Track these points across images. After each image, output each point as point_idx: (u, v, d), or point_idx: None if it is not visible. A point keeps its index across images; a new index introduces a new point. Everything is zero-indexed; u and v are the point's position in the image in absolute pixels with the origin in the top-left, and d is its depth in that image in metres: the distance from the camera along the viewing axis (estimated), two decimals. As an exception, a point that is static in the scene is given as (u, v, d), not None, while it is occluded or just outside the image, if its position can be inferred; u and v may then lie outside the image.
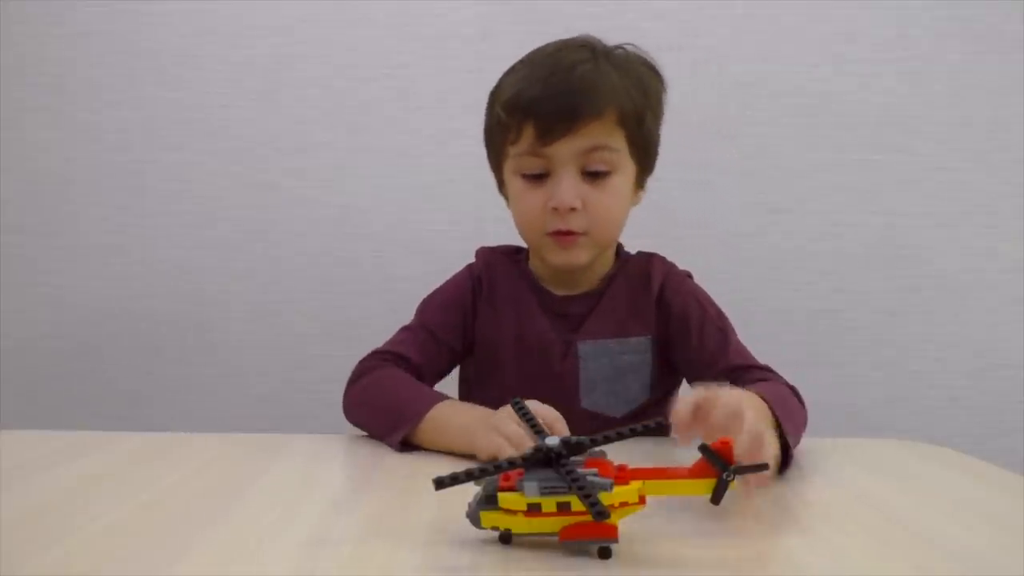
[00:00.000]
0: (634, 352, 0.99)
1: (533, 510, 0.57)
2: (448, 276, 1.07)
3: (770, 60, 1.46)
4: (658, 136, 1.00)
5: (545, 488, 0.56)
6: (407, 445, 0.86)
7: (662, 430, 0.61)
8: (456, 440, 0.84)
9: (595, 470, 0.58)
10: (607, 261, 1.03)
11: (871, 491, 0.77)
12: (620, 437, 0.60)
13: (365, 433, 0.93)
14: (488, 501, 0.58)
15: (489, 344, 1.02)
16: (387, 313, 1.05)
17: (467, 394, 1.05)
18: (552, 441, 0.58)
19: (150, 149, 1.47)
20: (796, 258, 1.48)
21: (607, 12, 1.44)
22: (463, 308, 1.03)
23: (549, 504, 0.57)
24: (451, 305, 1.03)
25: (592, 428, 0.82)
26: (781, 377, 0.95)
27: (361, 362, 0.97)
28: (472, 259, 1.09)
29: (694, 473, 0.60)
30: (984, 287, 1.48)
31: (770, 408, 0.78)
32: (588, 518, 0.55)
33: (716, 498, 0.59)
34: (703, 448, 0.59)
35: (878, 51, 1.46)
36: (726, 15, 1.45)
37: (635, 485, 0.58)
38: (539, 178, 0.94)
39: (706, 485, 0.59)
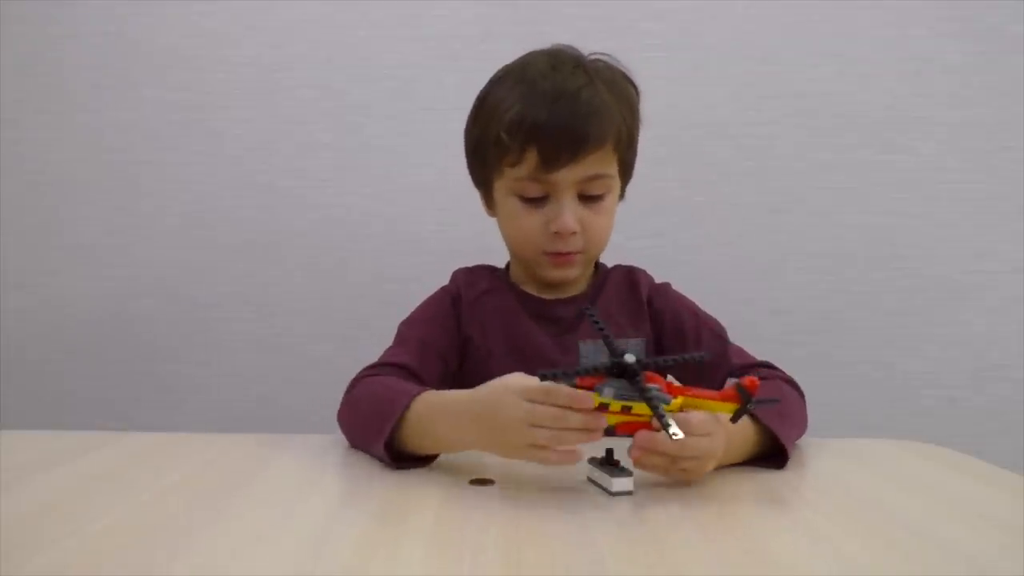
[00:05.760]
0: (633, 353, 0.99)
1: (601, 408, 0.71)
2: (446, 277, 1.07)
3: (770, 60, 1.46)
4: (637, 148, 1.02)
5: (620, 395, 0.71)
6: (399, 456, 0.79)
7: (702, 362, 0.77)
8: (455, 434, 0.77)
9: (657, 385, 0.72)
10: (589, 267, 1.04)
11: (871, 491, 0.77)
12: (674, 363, 0.76)
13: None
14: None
15: (481, 359, 0.99)
16: (386, 313, 1.04)
17: None
18: (630, 358, 0.71)
19: (149, 150, 1.47)
20: (796, 258, 1.48)
21: (607, 12, 1.44)
22: (446, 323, 1.00)
23: (615, 406, 0.71)
24: (433, 320, 1.01)
25: None
26: (780, 371, 0.97)
27: (353, 378, 0.92)
28: (472, 259, 1.09)
29: (724, 397, 0.73)
30: (984, 287, 1.48)
31: (762, 423, 0.82)
32: (643, 419, 0.71)
33: (735, 419, 0.73)
34: (737, 384, 0.72)
35: (878, 51, 1.46)
36: (726, 15, 1.45)
37: (678, 400, 0.73)
38: (537, 200, 0.96)
39: (729, 408, 0.72)
